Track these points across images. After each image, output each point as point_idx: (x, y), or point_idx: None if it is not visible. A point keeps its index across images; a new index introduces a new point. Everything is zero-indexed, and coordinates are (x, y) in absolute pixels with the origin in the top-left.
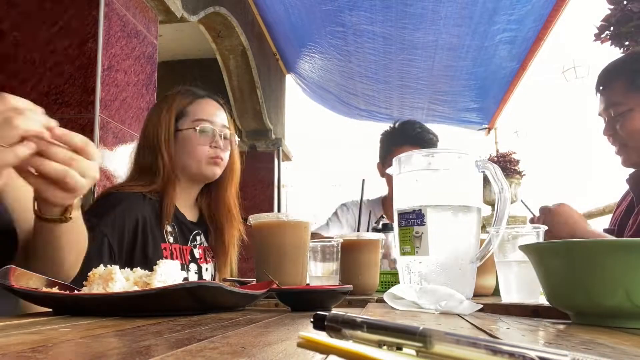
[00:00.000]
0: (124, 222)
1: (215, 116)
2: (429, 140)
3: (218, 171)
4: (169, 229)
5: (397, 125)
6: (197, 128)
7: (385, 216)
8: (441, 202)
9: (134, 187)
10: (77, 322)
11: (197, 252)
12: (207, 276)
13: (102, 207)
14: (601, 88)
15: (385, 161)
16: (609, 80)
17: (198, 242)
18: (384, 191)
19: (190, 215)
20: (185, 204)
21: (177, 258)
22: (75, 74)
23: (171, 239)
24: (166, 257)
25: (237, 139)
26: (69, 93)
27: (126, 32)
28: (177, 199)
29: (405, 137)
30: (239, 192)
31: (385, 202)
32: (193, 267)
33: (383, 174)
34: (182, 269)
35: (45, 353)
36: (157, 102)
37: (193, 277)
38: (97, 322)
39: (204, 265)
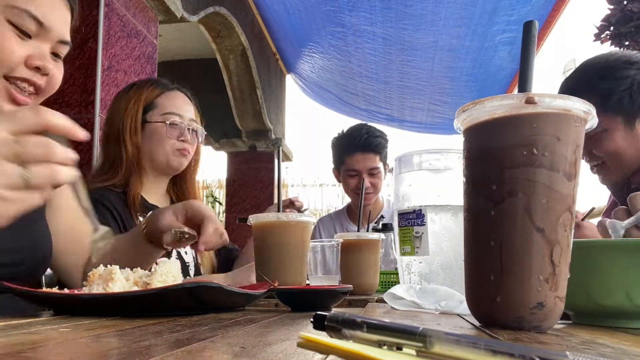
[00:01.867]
0: (103, 217)
1: (184, 110)
2: (377, 144)
3: (184, 162)
4: (142, 219)
5: (345, 132)
6: (168, 122)
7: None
8: (441, 202)
9: (99, 181)
10: (77, 322)
11: None
12: (188, 258)
13: None
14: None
15: (339, 169)
16: (576, 93)
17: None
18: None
19: (162, 203)
20: (155, 195)
21: None
22: (75, 74)
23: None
24: None
25: (203, 132)
26: (69, 93)
27: (126, 32)
28: (145, 190)
29: (354, 145)
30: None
31: (350, 211)
32: (174, 252)
33: (339, 179)
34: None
35: (45, 353)
36: (122, 91)
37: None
38: (97, 322)
39: (182, 250)
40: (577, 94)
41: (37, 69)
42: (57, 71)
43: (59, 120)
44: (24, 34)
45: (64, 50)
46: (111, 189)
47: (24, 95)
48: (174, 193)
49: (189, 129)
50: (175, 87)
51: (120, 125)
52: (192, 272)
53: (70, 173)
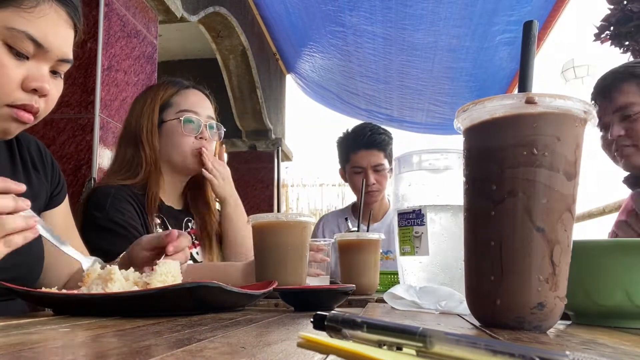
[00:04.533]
0: (128, 211)
1: (200, 107)
2: (381, 141)
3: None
4: (158, 221)
5: (349, 131)
6: (182, 118)
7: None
8: (441, 202)
9: (117, 181)
10: (77, 322)
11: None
12: (198, 259)
13: (98, 200)
14: (609, 91)
15: (345, 167)
16: (617, 82)
17: (190, 228)
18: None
19: (178, 205)
20: (172, 196)
21: None
22: (75, 74)
23: (160, 231)
24: None
25: (222, 128)
26: (69, 93)
27: (126, 32)
28: (162, 192)
29: (358, 142)
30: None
31: (356, 209)
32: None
33: (345, 179)
34: None
35: (45, 353)
36: (141, 93)
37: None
38: (97, 322)
39: (193, 251)
40: (623, 75)
41: (35, 91)
42: (55, 89)
43: None
44: (21, 56)
45: (65, 68)
46: (129, 187)
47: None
48: (190, 197)
49: (206, 125)
50: (191, 84)
51: (138, 127)
52: None
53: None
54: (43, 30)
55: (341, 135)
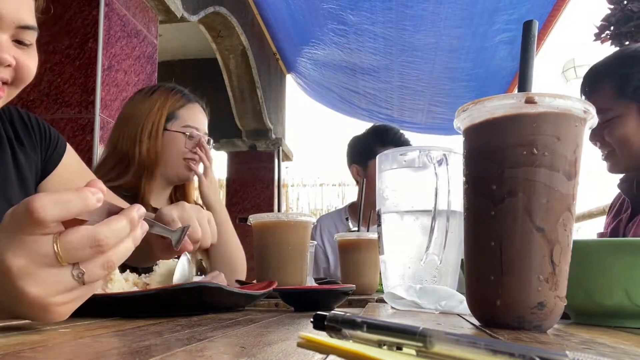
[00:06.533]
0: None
1: (201, 123)
2: (408, 142)
3: (192, 175)
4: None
5: (371, 129)
6: (187, 133)
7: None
8: (416, 201)
9: (106, 181)
10: (76, 322)
11: None
12: (206, 264)
13: None
14: (587, 91)
15: (367, 163)
16: (595, 84)
17: None
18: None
19: None
20: (159, 200)
21: None
22: (75, 74)
23: None
24: None
25: (212, 142)
26: (69, 93)
27: (126, 32)
28: (151, 195)
29: (389, 139)
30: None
31: (353, 208)
32: (186, 256)
33: (359, 175)
34: None
35: (45, 353)
36: (144, 92)
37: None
38: (97, 322)
39: (198, 256)
40: (600, 75)
41: None
42: (28, 59)
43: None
44: None
45: (30, 36)
46: (119, 190)
47: None
48: (174, 197)
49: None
50: (195, 99)
51: (140, 126)
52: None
53: (127, 248)
54: None
55: (358, 135)
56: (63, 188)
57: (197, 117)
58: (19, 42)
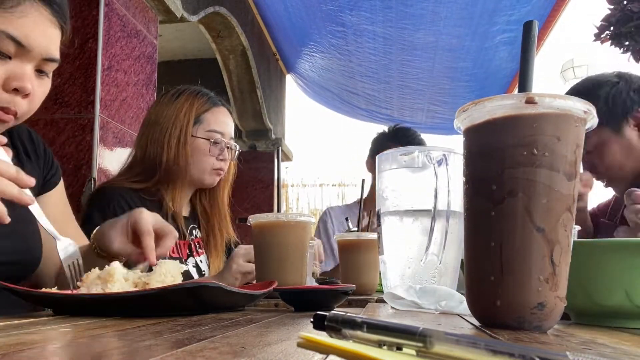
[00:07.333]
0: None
1: (227, 127)
2: (419, 142)
3: (217, 180)
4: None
5: (391, 128)
6: (212, 140)
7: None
8: (416, 200)
9: (128, 182)
10: (77, 322)
11: (193, 246)
12: (203, 267)
13: (100, 201)
14: None
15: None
16: None
17: (194, 236)
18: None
19: (184, 212)
20: (179, 203)
21: (174, 253)
22: (75, 74)
23: None
24: None
25: (238, 149)
26: (69, 93)
27: (126, 32)
28: (173, 202)
29: (410, 139)
30: (235, 192)
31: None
32: (191, 260)
33: (374, 170)
34: (180, 262)
35: (45, 353)
36: (169, 95)
37: (192, 270)
38: (97, 322)
39: (197, 258)
40: (580, 94)
41: (16, 91)
42: (40, 89)
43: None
44: (3, 56)
45: (51, 67)
46: (139, 194)
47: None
48: (200, 204)
49: (227, 147)
50: (221, 102)
51: (168, 132)
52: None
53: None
54: (24, 30)
55: (380, 132)
56: (45, 213)
57: (221, 121)
58: (39, 71)
